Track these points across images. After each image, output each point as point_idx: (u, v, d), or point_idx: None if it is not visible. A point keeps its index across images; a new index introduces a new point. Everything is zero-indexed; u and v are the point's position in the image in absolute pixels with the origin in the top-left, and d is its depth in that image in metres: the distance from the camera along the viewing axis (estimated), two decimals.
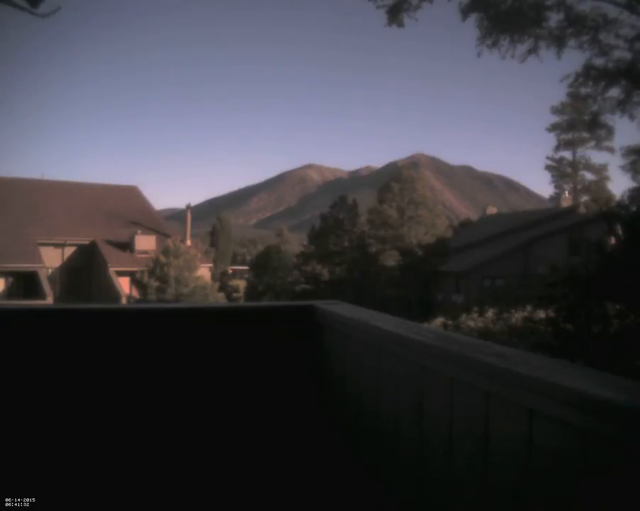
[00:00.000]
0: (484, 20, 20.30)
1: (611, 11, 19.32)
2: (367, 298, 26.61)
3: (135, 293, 26.46)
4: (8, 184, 32.10)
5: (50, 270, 28.25)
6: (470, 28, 20.64)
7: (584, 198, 46.78)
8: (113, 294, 27.04)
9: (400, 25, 19.52)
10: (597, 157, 70.94)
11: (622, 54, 20.52)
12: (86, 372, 2.08)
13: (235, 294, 40.57)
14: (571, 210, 35.44)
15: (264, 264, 43.84)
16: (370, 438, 1.92)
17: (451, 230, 38.84)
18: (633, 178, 32.30)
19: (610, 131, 39.06)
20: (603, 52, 20.69)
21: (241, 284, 46.83)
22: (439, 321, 22.17)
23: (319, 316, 2.32)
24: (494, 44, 20.56)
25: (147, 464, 2.11)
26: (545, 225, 32.29)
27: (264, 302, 23.55)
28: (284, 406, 2.27)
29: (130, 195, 36.41)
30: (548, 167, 51.97)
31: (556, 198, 44.58)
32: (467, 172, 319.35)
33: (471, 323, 20.29)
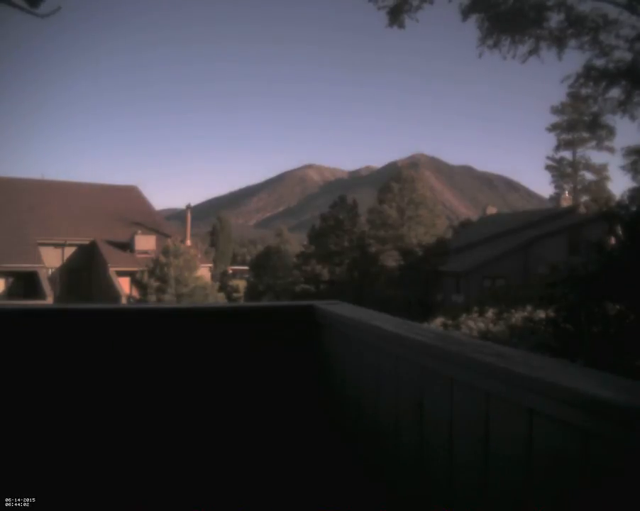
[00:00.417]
0: (484, 20, 20.33)
1: (612, 12, 19.38)
2: (367, 298, 26.62)
3: (135, 293, 26.48)
4: (7, 184, 32.10)
5: (50, 270, 28.26)
6: (471, 29, 20.69)
7: (584, 198, 46.78)
8: (113, 294, 27.04)
9: (401, 26, 19.55)
10: (597, 157, 70.99)
11: (623, 54, 20.58)
12: (86, 373, 2.08)
13: (235, 294, 40.62)
14: (571, 210, 35.41)
15: (264, 264, 43.85)
16: (370, 438, 1.92)
17: (451, 230, 38.90)
18: (634, 178, 32.36)
19: (611, 132, 39.12)
20: (603, 52, 20.72)
21: (241, 284, 46.86)
22: (439, 321, 22.14)
23: (319, 316, 2.32)
24: (495, 44, 20.60)
25: (147, 464, 2.11)
26: (545, 225, 32.28)
27: (264, 302, 23.56)
28: (284, 406, 2.26)
29: (130, 195, 36.42)
30: (548, 167, 51.99)
31: (556, 198, 44.50)
32: (467, 172, 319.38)
33: (471, 323, 20.28)
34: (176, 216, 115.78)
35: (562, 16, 19.94)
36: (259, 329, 2.32)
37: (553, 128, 48.97)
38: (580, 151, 50.03)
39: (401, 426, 1.71)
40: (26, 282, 25.58)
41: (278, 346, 2.30)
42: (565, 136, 49.40)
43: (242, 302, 30.54)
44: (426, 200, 33.31)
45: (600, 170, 49.80)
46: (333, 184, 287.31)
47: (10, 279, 26.19)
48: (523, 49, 20.66)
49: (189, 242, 32.21)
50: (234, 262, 62.95)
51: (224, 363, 2.24)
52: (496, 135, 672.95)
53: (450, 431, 1.45)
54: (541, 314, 14.24)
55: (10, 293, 25.69)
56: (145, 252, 29.02)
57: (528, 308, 19.23)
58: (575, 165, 50.41)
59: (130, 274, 27.40)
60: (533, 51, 20.56)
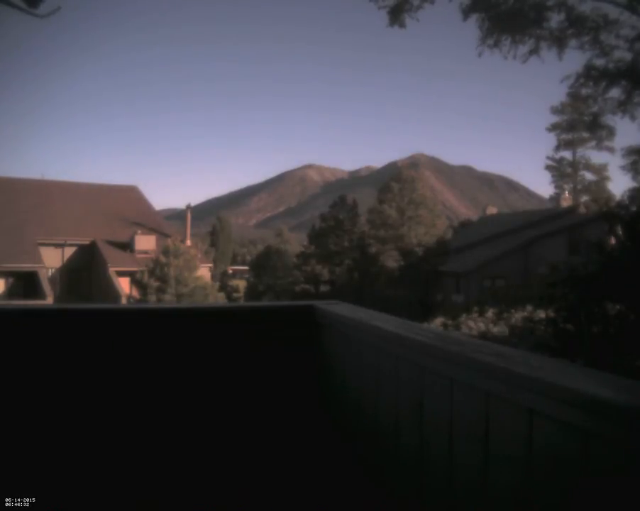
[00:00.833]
0: (485, 20, 20.33)
1: (612, 12, 19.38)
2: (367, 298, 26.62)
3: (135, 293, 26.48)
4: (7, 184, 32.10)
5: (50, 270, 28.27)
6: (471, 28, 20.69)
7: (584, 198, 46.79)
8: (113, 294, 27.04)
9: (402, 26, 19.55)
10: (597, 157, 70.83)
11: (623, 54, 20.58)
12: (86, 372, 2.08)
13: (235, 294, 40.65)
14: (571, 210, 35.42)
15: (264, 264, 43.86)
16: (370, 438, 1.92)
17: (451, 230, 38.88)
18: (634, 178, 32.37)
19: (611, 132, 39.13)
20: (604, 52, 20.72)
21: (241, 284, 46.88)
22: (439, 321, 22.16)
23: (319, 316, 2.32)
24: (496, 44, 20.59)
25: (147, 464, 2.11)
26: (545, 225, 32.29)
27: (264, 302, 23.55)
28: (284, 406, 2.26)
29: (130, 195, 36.42)
30: (548, 167, 51.98)
31: (556, 198, 44.51)
32: (467, 172, 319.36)
33: (471, 323, 20.29)
34: (176, 216, 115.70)
35: (562, 16, 19.95)
36: (259, 329, 2.32)
37: (553, 128, 49.00)
38: (580, 151, 50.09)
39: (401, 426, 1.71)
40: (26, 282, 25.60)
41: (278, 346, 2.30)
42: (565, 136, 49.44)
43: (242, 302, 30.54)
44: (426, 200, 33.31)
45: (600, 170, 49.81)
46: (333, 184, 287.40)
47: (11, 280, 26.22)
48: (523, 49, 20.68)
49: (189, 242, 32.21)
50: (234, 262, 62.97)
51: (224, 363, 2.24)
52: (496, 135, 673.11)
53: (450, 431, 1.45)
54: (541, 314, 14.26)
55: (10, 293, 25.71)
56: (145, 252, 29.02)
57: (528, 308, 19.26)
58: (575, 165, 50.42)
59: (130, 274, 27.40)
60: (534, 51, 20.57)
